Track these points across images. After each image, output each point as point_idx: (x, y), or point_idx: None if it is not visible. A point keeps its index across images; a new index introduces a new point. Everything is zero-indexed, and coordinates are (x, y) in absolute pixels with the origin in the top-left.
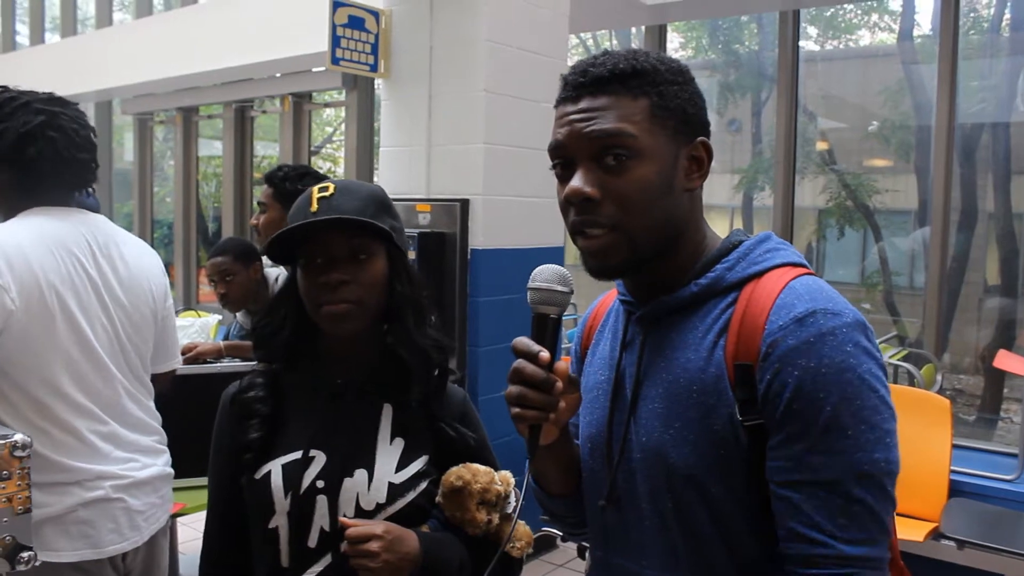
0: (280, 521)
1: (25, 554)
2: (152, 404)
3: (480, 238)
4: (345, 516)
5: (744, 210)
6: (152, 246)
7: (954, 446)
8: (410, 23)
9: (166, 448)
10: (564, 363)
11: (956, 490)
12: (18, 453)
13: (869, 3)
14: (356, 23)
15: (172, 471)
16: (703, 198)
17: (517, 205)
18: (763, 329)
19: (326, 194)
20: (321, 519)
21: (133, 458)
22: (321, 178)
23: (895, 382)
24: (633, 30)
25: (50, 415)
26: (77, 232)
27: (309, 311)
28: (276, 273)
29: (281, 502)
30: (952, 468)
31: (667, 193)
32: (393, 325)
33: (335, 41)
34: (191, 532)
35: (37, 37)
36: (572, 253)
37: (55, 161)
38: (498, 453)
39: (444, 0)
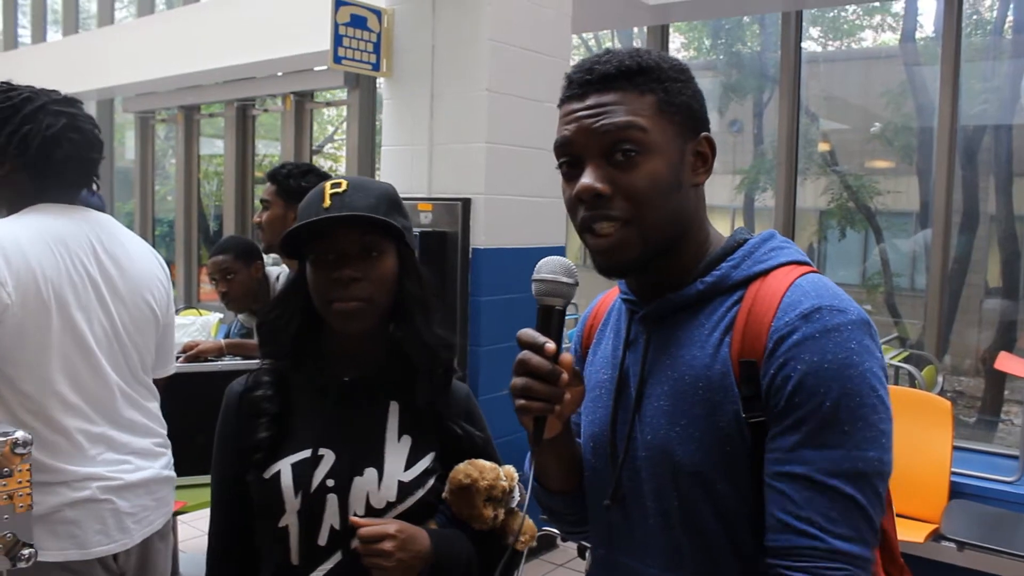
0: (290, 520)
1: (26, 551)
2: (154, 406)
3: (482, 237)
4: (355, 515)
5: (745, 211)
6: (153, 244)
7: (955, 448)
8: (412, 22)
9: (167, 451)
10: (569, 355)
11: (956, 492)
12: (19, 450)
13: (872, 4)
14: (358, 22)
15: (173, 474)
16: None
17: (519, 204)
18: (769, 326)
19: (339, 190)
20: (331, 517)
21: (126, 460)
22: (324, 176)
23: (896, 383)
24: (635, 30)
25: (42, 414)
26: (79, 230)
27: (318, 307)
28: (277, 272)
29: (291, 501)
30: (953, 470)
31: (676, 188)
32: (401, 323)
33: (337, 40)
34: (192, 530)
35: (39, 35)
36: (574, 253)
37: (77, 162)
38: (499, 452)
39: None
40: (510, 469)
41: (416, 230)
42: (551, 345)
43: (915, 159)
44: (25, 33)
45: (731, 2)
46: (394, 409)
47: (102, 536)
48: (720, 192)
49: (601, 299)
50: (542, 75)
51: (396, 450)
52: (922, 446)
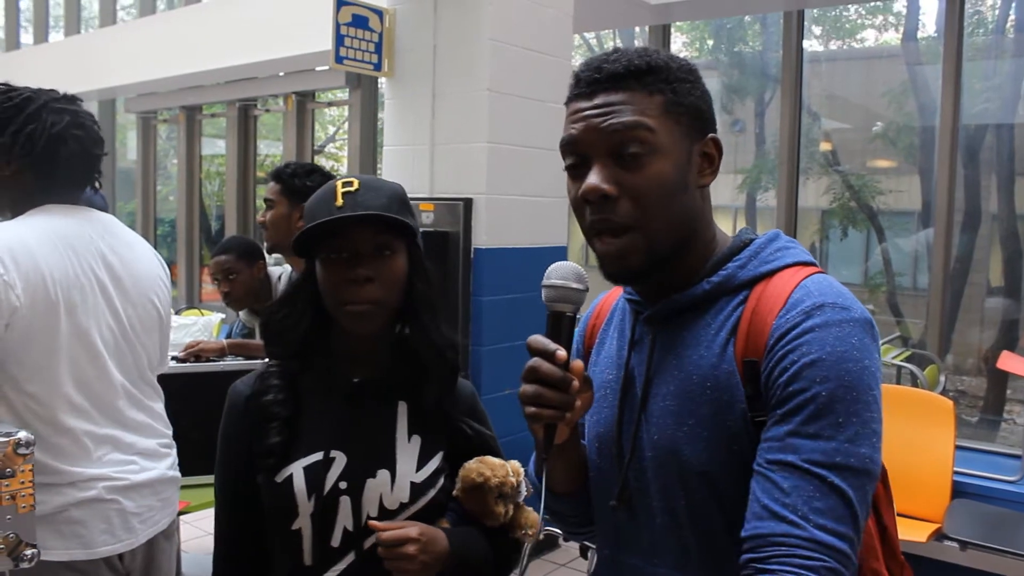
0: (303, 523)
1: (29, 552)
2: (159, 406)
3: (483, 237)
4: (370, 516)
5: (747, 211)
6: (155, 244)
7: (957, 447)
8: (414, 22)
9: (172, 451)
10: (580, 362)
11: (959, 491)
12: (22, 451)
13: (874, 4)
14: (360, 22)
15: (178, 474)
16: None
17: (520, 204)
18: (771, 325)
19: (351, 189)
20: (344, 519)
21: (132, 461)
22: (329, 176)
23: (898, 383)
24: (637, 30)
25: (48, 416)
26: (86, 231)
27: (330, 307)
28: (279, 272)
29: (305, 504)
30: (955, 469)
31: (683, 190)
32: (411, 323)
33: (339, 40)
34: (195, 531)
35: (41, 36)
36: (575, 253)
37: (82, 159)
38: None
39: None
40: (516, 465)
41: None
42: (562, 352)
43: (917, 158)
44: (27, 33)
45: (733, 1)
46: (403, 409)
47: (107, 536)
48: (722, 192)
49: (603, 298)
50: (544, 75)
51: (407, 451)
52: (924, 445)
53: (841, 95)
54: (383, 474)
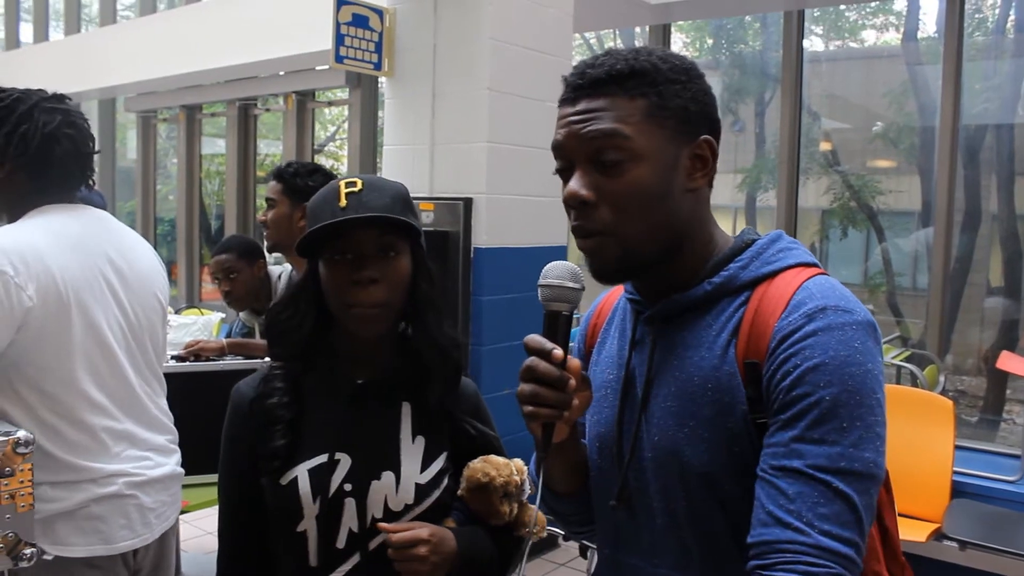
0: (308, 525)
1: (28, 551)
2: (164, 401)
3: (483, 237)
4: (375, 518)
5: (747, 210)
6: (155, 244)
7: (956, 447)
8: (414, 21)
9: (177, 447)
10: (577, 361)
11: (958, 491)
12: (21, 450)
13: (874, 4)
14: (360, 21)
15: (182, 471)
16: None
17: (520, 204)
18: (773, 327)
19: (354, 189)
20: (350, 521)
21: (147, 456)
22: (330, 175)
23: (898, 383)
24: (637, 30)
25: (67, 414)
26: (89, 230)
27: (334, 309)
28: (279, 271)
29: (310, 507)
30: (954, 469)
31: (665, 195)
32: (415, 324)
33: (339, 39)
34: (193, 530)
35: (41, 34)
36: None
37: (75, 157)
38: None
39: None
40: (520, 463)
41: None
42: (559, 351)
43: (917, 158)
44: (27, 32)
45: (733, 1)
46: (407, 410)
47: (127, 531)
48: (722, 191)
49: (605, 298)
50: (544, 74)
51: (411, 452)
52: (924, 445)
53: (841, 95)
54: (388, 476)
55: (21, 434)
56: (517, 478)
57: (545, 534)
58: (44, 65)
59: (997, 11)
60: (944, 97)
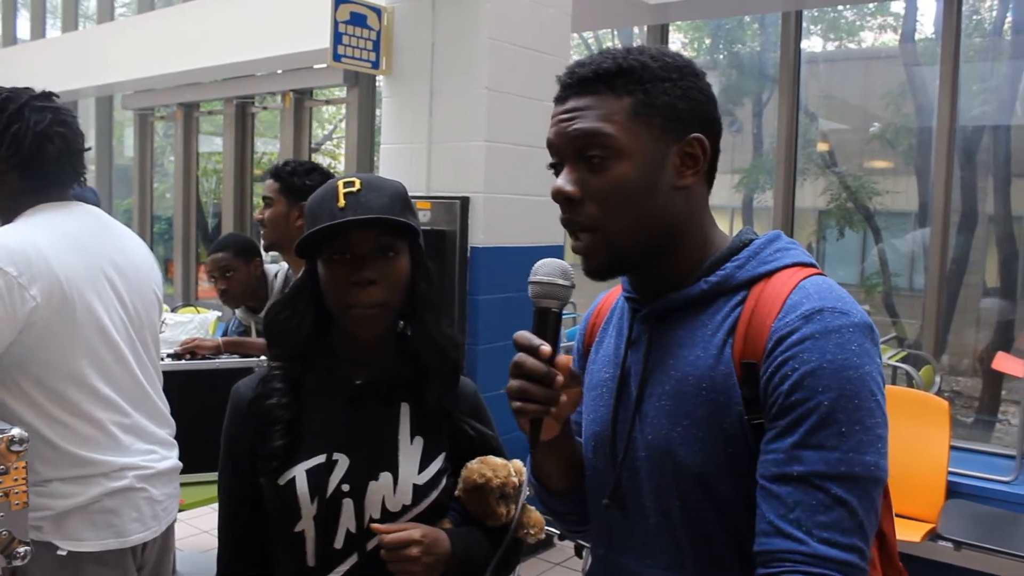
0: (306, 525)
1: (21, 549)
2: (163, 395)
3: (480, 236)
4: (372, 519)
5: (744, 211)
6: (152, 242)
7: (952, 447)
8: (412, 20)
9: (175, 442)
10: (565, 357)
11: (954, 491)
12: (15, 448)
13: (871, 5)
14: (358, 20)
15: (181, 464)
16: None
17: (517, 203)
18: (770, 327)
19: (352, 189)
20: (347, 521)
21: (153, 450)
22: (328, 174)
23: (894, 383)
24: (636, 29)
25: (75, 409)
26: (86, 227)
27: (333, 309)
28: (276, 269)
29: (308, 507)
30: (950, 469)
31: (650, 192)
32: (414, 323)
33: (337, 38)
34: (189, 528)
35: (38, 32)
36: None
37: (68, 155)
38: None
39: None
40: (519, 464)
41: None
42: (546, 347)
43: (914, 159)
44: (24, 29)
45: (731, 2)
46: (405, 411)
47: (138, 524)
48: (719, 192)
49: (604, 297)
50: (542, 74)
51: (409, 452)
52: (919, 446)
53: (839, 96)
54: (385, 476)
55: (15, 432)
56: (515, 479)
57: (543, 535)
58: (41, 62)
59: (994, 13)
60: (941, 98)
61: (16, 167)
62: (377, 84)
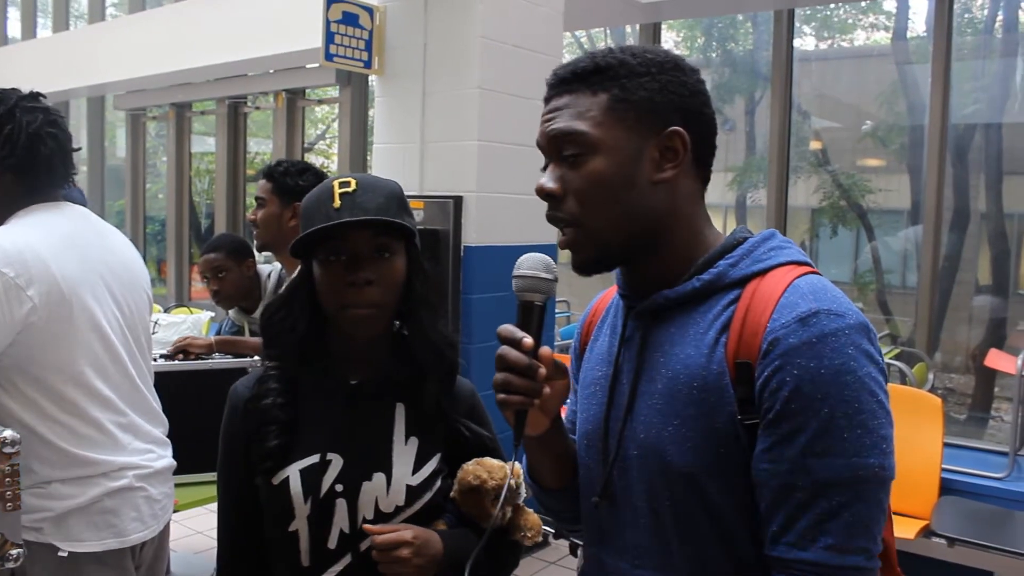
0: (300, 525)
1: (14, 551)
2: (156, 394)
3: (473, 235)
4: (366, 519)
5: (738, 209)
6: (145, 242)
7: (945, 444)
8: (404, 20)
9: (168, 439)
10: (549, 349)
11: (947, 488)
12: (7, 449)
13: (864, 3)
14: (350, 19)
15: (175, 462)
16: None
17: (510, 202)
18: (765, 327)
19: (348, 190)
20: (341, 521)
21: (150, 449)
22: (321, 175)
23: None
24: (628, 28)
25: (74, 409)
26: (78, 227)
27: (329, 310)
28: (269, 270)
29: (301, 507)
30: (943, 466)
31: (627, 186)
32: (410, 323)
33: (329, 37)
34: (183, 529)
35: (29, 31)
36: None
37: (60, 156)
38: None
39: None
40: (517, 466)
41: None
42: (528, 340)
43: (906, 157)
44: (15, 29)
45: (723, 0)
46: (400, 411)
47: (138, 523)
48: (712, 190)
49: (601, 296)
50: (534, 73)
51: (404, 453)
52: (913, 443)
53: (831, 94)
54: (379, 477)
55: (7, 433)
56: (512, 481)
57: (540, 538)
58: (32, 62)
59: (986, 11)
60: (933, 96)
61: (11, 168)
62: (370, 84)
